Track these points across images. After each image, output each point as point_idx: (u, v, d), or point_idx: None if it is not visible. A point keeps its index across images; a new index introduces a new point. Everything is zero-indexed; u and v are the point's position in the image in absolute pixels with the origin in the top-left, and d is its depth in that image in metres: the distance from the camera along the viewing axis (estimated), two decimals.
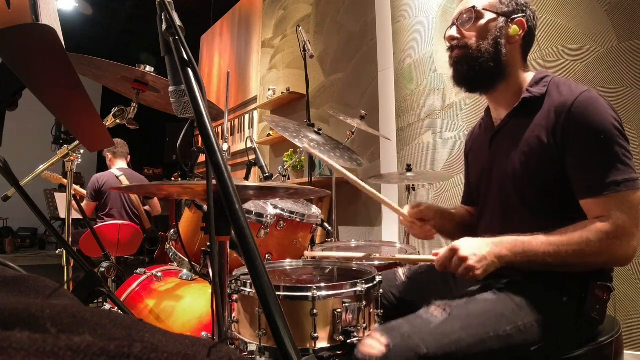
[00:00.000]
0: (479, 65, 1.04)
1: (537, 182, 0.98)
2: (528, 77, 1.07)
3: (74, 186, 3.29)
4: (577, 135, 0.91)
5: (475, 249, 0.88)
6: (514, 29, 1.03)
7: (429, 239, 1.19)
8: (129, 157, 3.61)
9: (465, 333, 0.79)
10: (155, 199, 3.65)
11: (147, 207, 3.61)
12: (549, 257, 0.86)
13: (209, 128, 0.52)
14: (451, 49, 1.09)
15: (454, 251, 0.89)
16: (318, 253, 1.00)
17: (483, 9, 1.05)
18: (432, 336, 0.77)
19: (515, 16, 1.04)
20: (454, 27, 1.09)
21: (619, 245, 0.85)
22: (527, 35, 1.06)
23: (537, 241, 0.88)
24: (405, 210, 1.16)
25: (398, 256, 1.15)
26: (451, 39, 1.09)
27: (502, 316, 0.84)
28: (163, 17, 0.60)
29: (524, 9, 1.05)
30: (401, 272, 1.18)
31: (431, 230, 1.17)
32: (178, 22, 0.59)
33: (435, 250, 0.95)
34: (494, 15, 1.04)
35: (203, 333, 1.17)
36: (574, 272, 0.91)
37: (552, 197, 0.97)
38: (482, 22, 1.05)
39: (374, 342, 0.77)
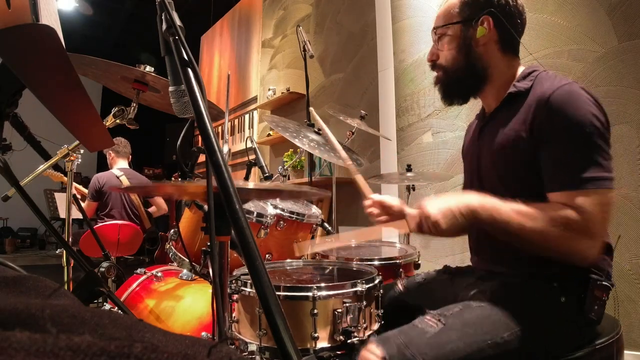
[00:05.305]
0: (458, 81, 1.06)
1: (519, 176, 0.96)
2: (518, 70, 1.04)
3: (77, 185, 3.31)
4: (551, 128, 0.89)
5: (440, 204, 0.86)
6: (479, 30, 1.00)
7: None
8: (131, 156, 3.61)
9: (462, 342, 0.78)
10: (160, 197, 3.64)
11: (152, 208, 3.59)
12: (514, 226, 0.84)
13: (209, 128, 0.52)
14: (432, 67, 1.12)
15: (420, 209, 0.88)
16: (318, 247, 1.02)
17: (443, 26, 1.05)
18: (428, 347, 0.76)
19: (479, 16, 1.00)
20: (432, 45, 1.11)
21: (580, 241, 0.83)
22: (500, 28, 1.01)
23: (507, 207, 0.85)
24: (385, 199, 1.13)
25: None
26: (428, 59, 1.12)
27: (499, 322, 0.83)
28: (163, 17, 0.60)
29: (491, 1, 1.00)
30: (400, 284, 1.19)
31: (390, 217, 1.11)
32: (178, 22, 0.59)
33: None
34: (456, 27, 1.03)
35: (203, 333, 1.17)
36: (574, 270, 0.89)
37: (537, 192, 0.92)
38: (447, 37, 1.05)
39: (370, 354, 0.76)
